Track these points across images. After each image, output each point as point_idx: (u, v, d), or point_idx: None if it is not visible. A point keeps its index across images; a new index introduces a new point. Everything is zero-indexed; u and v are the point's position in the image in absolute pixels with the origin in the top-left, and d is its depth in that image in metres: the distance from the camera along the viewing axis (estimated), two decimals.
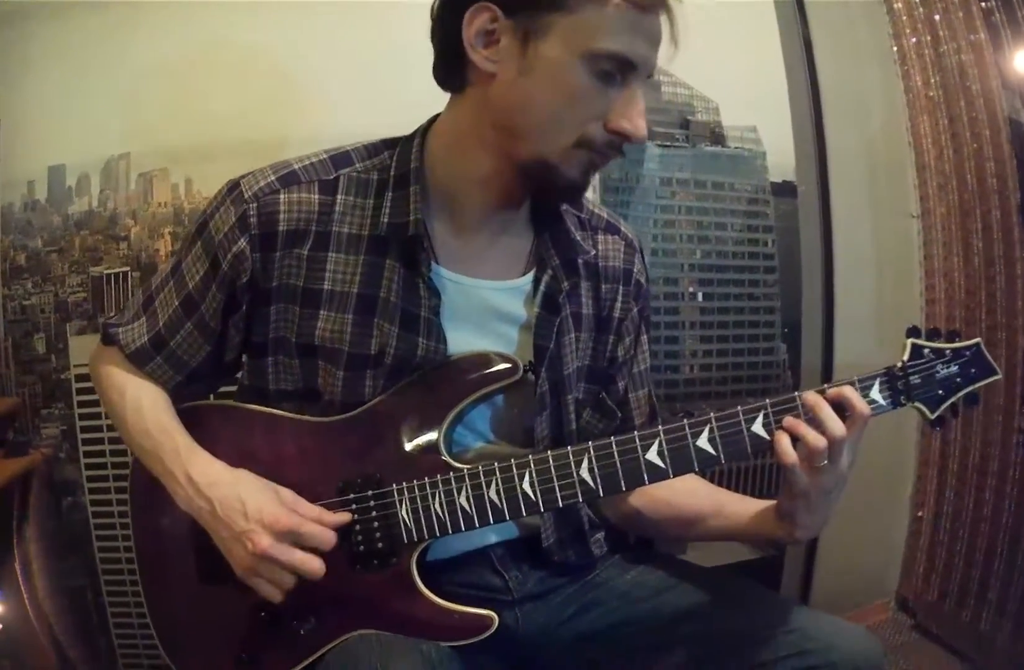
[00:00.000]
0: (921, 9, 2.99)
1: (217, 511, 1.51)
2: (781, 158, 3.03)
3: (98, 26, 2.62)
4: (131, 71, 2.60)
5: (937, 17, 2.95)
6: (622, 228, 1.86)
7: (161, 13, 2.61)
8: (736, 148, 3.02)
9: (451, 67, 1.55)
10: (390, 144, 1.66)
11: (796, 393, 1.50)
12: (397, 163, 1.62)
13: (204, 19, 2.61)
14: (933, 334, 1.55)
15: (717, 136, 3.00)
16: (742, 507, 1.71)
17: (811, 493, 1.49)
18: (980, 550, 2.97)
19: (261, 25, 2.60)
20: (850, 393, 1.47)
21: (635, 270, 1.84)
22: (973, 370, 1.54)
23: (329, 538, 1.51)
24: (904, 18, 3.04)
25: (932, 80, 3.01)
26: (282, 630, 1.59)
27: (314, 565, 1.49)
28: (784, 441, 1.46)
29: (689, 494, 1.77)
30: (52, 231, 2.71)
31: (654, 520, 1.82)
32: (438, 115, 1.66)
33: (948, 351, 1.54)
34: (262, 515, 1.48)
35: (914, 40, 3.03)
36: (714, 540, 1.93)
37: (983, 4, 2.83)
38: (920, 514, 3.17)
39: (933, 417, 1.53)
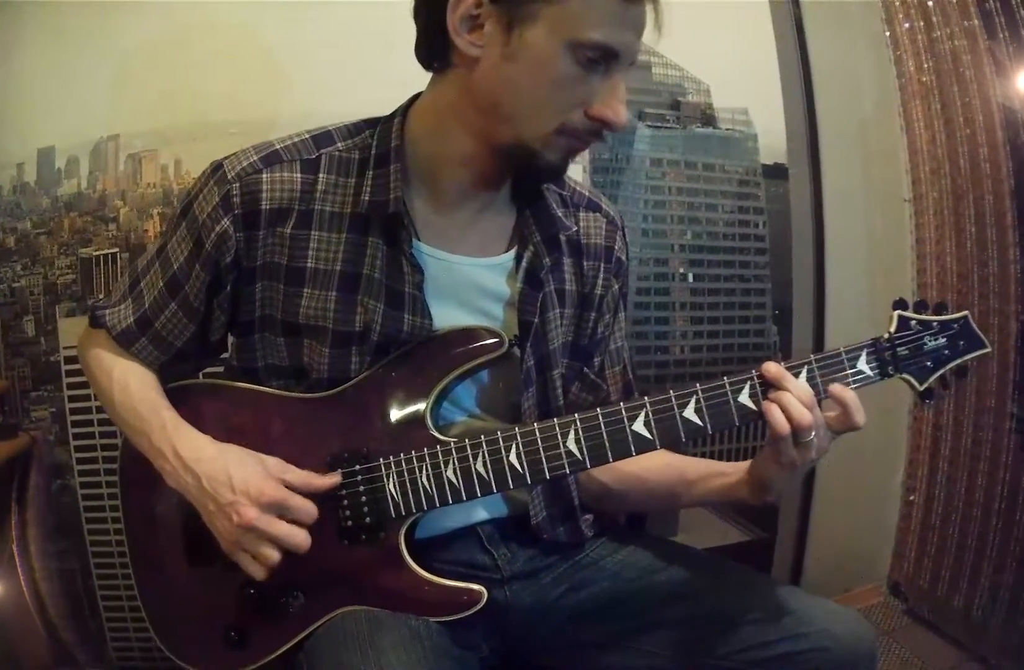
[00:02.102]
0: None
1: (204, 485, 1.52)
2: (772, 140, 3.04)
3: (87, 8, 2.63)
4: (120, 53, 2.61)
5: (931, 2, 2.95)
6: (603, 205, 1.86)
7: None
8: (727, 130, 3.04)
9: (434, 48, 1.54)
10: (371, 123, 1.66)
11: (783, 363, 1.50)
12: (378, 142, 1.62)
13: (192, 0, 2.62)
14: (920, 306, 1.55)
15: (708, 118, 3.02)
16: (714, 479, 1.70)
17: (797, 464, 1.49)
18: (972, 535, 2.97)
19: (249, 5, 2.61)
20: (848, 396, 1.48)
21: (616, 247, 1.85)
22: (962, 343, 1.54)
23: (311, 511, 1.51)
24: (897, 3, 3.04)
25: (925, 65, 3.01)
26: (271, 608, 1.59)
27: (299, 538, 1.49)
28: (775, 411, 1.45)
29: (659, 470, 1.77)
30: (41, 213, 2.72)
31: (626, 496, 1.83)
32: (419, 94, 1.66)
33: (935, 323, 1.54)
34: (248, 487, 1.48)
35: (907, 25, 3.03)
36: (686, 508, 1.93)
37: None
38: (912, 498, 3.18)
39: (922, 389, 1.53)
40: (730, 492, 1.67)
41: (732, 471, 1.67)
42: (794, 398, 1.45)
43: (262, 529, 1.47)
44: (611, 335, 1.88)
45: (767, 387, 1.49)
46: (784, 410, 1.45)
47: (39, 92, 2.65)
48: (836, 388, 1.48)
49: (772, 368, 1.48)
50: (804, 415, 1.44)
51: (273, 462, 1.54)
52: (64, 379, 2.70)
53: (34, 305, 2.73)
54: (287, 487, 1.52)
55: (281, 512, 1.49)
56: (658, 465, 1.76)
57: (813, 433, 1.45)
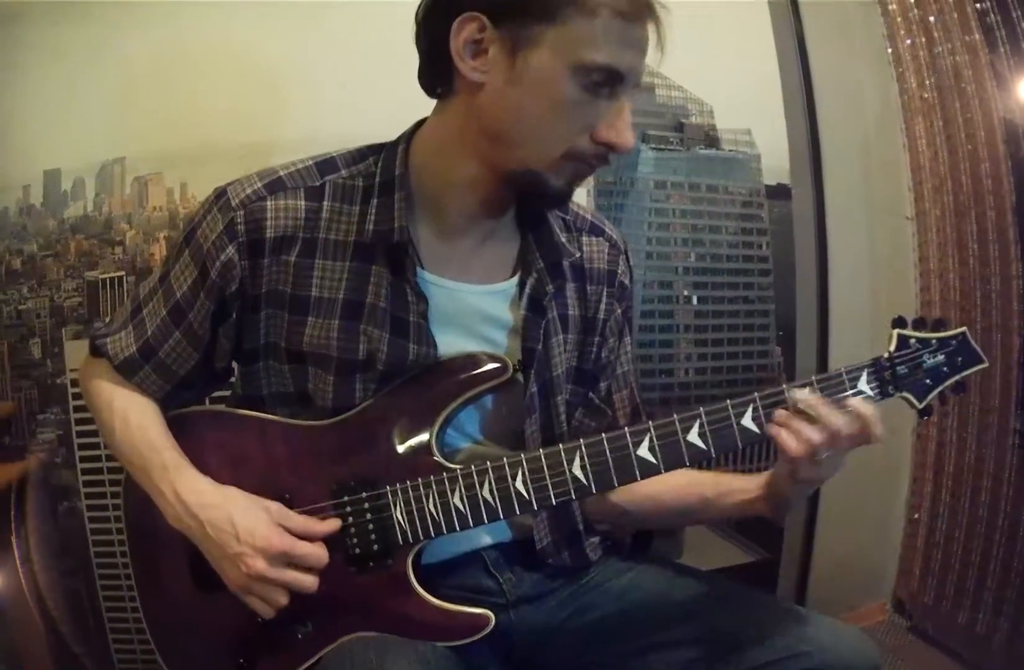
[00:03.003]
0: (916, 10, 2.99)
1: (208, 532, 1.52)
2: (775, 161, 3.05)
3: (92, 29, 2.64)
4: (125, 74, 2.62)
5: (932, 18, 2.96)
6: (606, 229, 1.86)
7: (154, 17, 2.62)
8: (730, 151, 3.04)
9: (437, 75, 1.55)
10: (375, 150, 1.66)
11: (783, 386, 1.51)
12: (382, 169, 1.62)
13: (197, 22, 2.62)
14: (919, 324, 1.57)
15: (711, 139, 3.02)
16: (734, 495, 1.72)
17: (813, 480, 1.54)
18: (976, 551, 2.97)
19: (253, 28, 2.61)
20: (868, 410, 1.48)
21: (619, 271, 1.85)
22: (960, 359, 1.56)
23: (322, 557, 1.51)
24: (899, 19, 3.04)
25: (927, 82, 3.02)
26: (279, 635, 1.60)
27: (307, 582, 1.50)
28: (783, 434, 1.47)
29: (677, 490, 1.78)
30: (47, 235, 2.72)
31: (643, 517, 1.85)
32: (423, 120, 1.66)
33: (934, 340, 1.55)
34: (254, 538, 1.49)
35: (909, 42, 3.03)
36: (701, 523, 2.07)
37: (978, 5, 2.83)
38: (916, 516, 3.18)
39: (921, 406, 1.55)
40: (750, 508, 1.70)
41: (751, 487, 1.68)
42: (804, 423, 1.47)
43: (271, 578, 1.48)
44: (617, 359, 1.89)
45: (770, 409, 1.50)
46: (797, 432, 1.46)
47: (44, 114, 2.65)
48: (856, 402, 1.49)
49: (802, 395, 1.49)
50: (815, 433, 1.45)
51: (276, 508, 1.54)
52: (71, 402, 2.69)
53: (40, 327, 2.73)
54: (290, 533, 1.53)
55: (289, 561, 1.49)
56: (676, 485, 1.76)
57: (827, 453, 1.47)
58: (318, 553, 1.51)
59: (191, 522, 1.54)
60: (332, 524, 1.56)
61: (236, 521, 1.50)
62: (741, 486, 1.71)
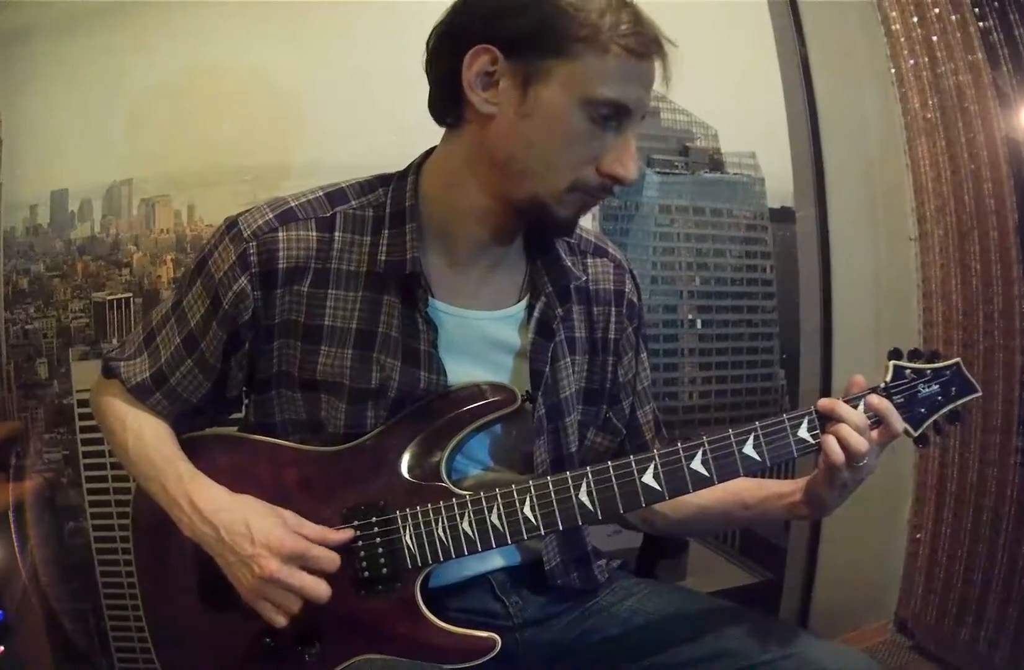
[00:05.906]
0: (919, 30, 3.00)
1: (223, 536, 1.52)
2: (780, 184, 3.06)
3: (101, 51, 2.64)
4: (133, 96, 2.62)
5: (935, 38, 2.96)
6: (610, 250, 1.88)
7: (163, 38, 2.63)
8: (735, 174, 3.05)
9: (448, 104, 1.56)
10: (384, 180, 1.67)
11: (784, 415, 1.56)
12: (392, 200, 1.63)
13: (206, 44, 2.63)
14: (914, 355, 1.61)
15: (716, 162, 3.03)
16: (776, 500, 1.73)
17: (849, 484, 1.56)
18: (978, 570, 2.98)
19: (263, 50, 2.62)
20: (886, 406, 1.53)
21: (626, 290, 1.87)
22: (954, 389, 1.60)
23: (334, 560, 1.52)
24: (902, 40, 3.05)
25: (930, 102, 3.03)
26: (287, 657, 1.60)
27: (321, 588, 1.50)
28: (831, 441, 1.50)
29: (718, 498, 1.79)
30: (54, 256, 2.72)
31: (691, 527, 1.94)
32: (431, 150, 1.67)
33: (929, 371, 1.59)
34: (268, 539, 1.49)
35: (912, 62, 3.04)
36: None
37: (980, 24, 2.84)
38: (918, 536, 3.18)
39: (916, 435, 1.58)
40: (790, 511, 1.72)
41: (790, 491, 1.70)
42: (851, 429, 1.50)
43: (284, 581, 1.48)
44: (636, 376, 1.91)
45: (770, 438, 1.54)
46: (844, 439, 1.49)
47: (52, 134, 2.66)
48: (874, 399, 1.54)
49: (826, 403, 1.54)
50: (861, 442, 1.49)
51: (290, 515, 1.55)
52: (77, 422, 2.69)
53: (47, 348, 2.73)
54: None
55: (302, 563, 1.50)
56: (721, 495, 1.77)
57: (866, 458, 1.51)
58: (331, 556, 1.52)
59: (206, 529, 1.54)
60: (346, 534, 1.56)
61: (251, 523, 1.51)
62: (780, 491, 1.72)
